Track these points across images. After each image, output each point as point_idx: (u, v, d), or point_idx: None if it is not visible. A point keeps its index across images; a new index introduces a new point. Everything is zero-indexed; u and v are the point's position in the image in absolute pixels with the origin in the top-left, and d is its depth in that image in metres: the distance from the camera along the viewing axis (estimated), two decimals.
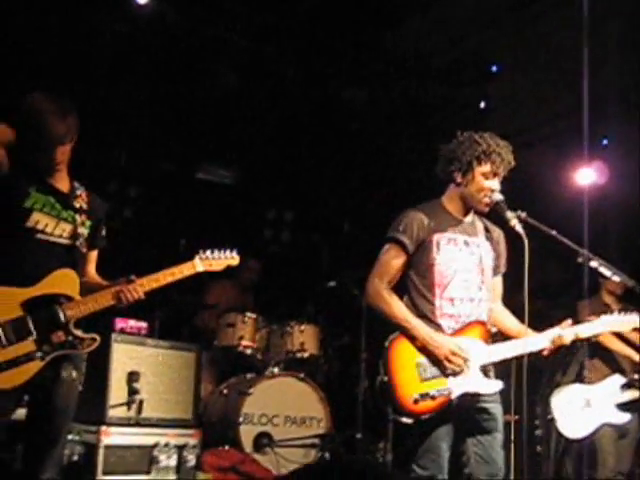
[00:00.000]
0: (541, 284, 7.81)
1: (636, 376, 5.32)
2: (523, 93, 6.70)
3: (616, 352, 5.42)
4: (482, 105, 6.68)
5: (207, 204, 7.63)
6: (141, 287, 3.54)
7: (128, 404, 5.13)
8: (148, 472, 5.07)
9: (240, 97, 7.22)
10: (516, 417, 5.50)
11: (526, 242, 3.33)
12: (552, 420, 5.56)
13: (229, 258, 3.99)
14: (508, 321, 3.74)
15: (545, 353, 3.56)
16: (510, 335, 3.65)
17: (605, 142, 7.19)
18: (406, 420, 3.37)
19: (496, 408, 3.55)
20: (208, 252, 3.89)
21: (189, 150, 7.61)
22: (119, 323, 5.40)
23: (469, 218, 3.68)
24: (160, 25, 6.51)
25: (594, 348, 5.45)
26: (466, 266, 3.57)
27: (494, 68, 6.68)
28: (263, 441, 5.68)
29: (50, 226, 3.45)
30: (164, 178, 7.58)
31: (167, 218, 7.33)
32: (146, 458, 5.08)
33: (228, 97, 7.19)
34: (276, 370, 6.09)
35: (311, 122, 7.51)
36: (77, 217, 3.53)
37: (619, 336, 5.26)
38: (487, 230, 3.73)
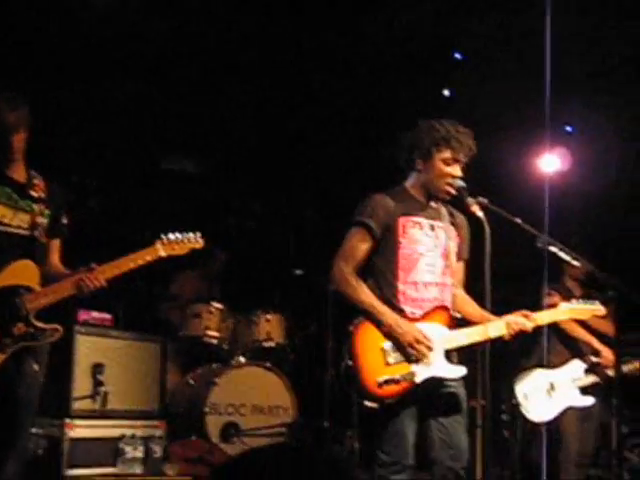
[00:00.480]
0: (507, 270, 7.89)
1: (595, 359, 5.38)
2: (487, 80, 6.73)
3: (576, 338, 5.48)
4: (446, 92, 6.70)
5: (172, 194, 7.56)
6: (102, 275, 3.50)
7: (93, 396, 5.08)
8: (114, 465, 5.03)
9: (205, 85, 7.15)
10: (482, 402, 5.59)
11: (487, 228, 3.34)
12: (517, 405, 5.60)
13: (193, 241, 3.89)
14: (470, 307, 3.75)
15: (507, 338, 3.59)
16: (472, 321, 3.67)
17: (569, 129, 7.25)
18: (370, 404, 3.37)
19: (460, 393, 3.57)
20: (170, 235, 3.80)
21: (153, 139, 7.54)
22: (82, 315, 5.33)
23: (434, 203, 3.68)
24: (123, 12, 6.42)
25: (557, 332, 5.49)
26: (431, 250, 3.58)
27: (458, 55, 6.69)
28: (230, 431, 5.69)
29: (8, 217, 3.41)
30: (128, 168, 7.50)
31: (131, 209, 7.26)
32: (112, 450, 5.04)
33: (193, 85, 7.13)
34: (242, 360, 6.09)
35: (277, 109, 7.47)
36: (35, 207, 3.49)
37: (580, 321, 5.32)
38: (451, 215, 3.74)
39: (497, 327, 3.55)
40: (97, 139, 7.10)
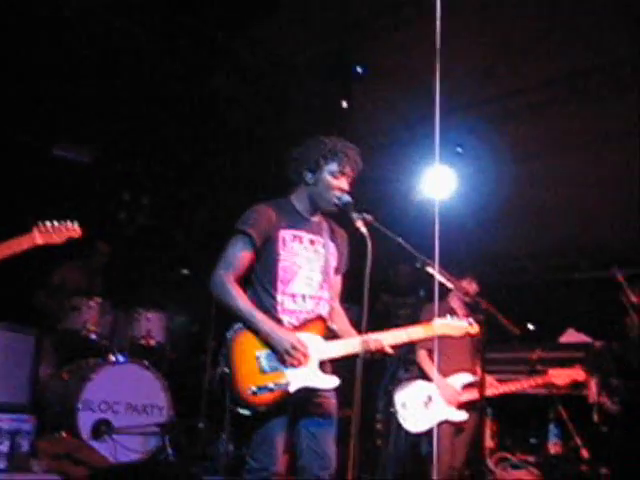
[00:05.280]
0: (392, 283, 8.08)
1: (472, 379, 5.55)
2: (384, 95, 6.85)
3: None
4: (344, 105, 6.77)
5: (60, 182, 7.35)
6: None
7: None
8: None
9: (103, 74, 6.99)
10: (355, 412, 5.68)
11: (369, 244, 3.42)
12: (394, 413, 5.71)
13: (70, 230, 3.89)
14: (339, 322, 3.81)
15: (390, 352, 3.67)
16: (338, 335, 3.71)
17: (459, 150, 7.46)
18: (243, 412, 3.39)
19: (332, 403, 3.64)
20: (48, 223, 3.78)
21: (45, 124, 7.31)
22: None
23: (316, 218, 3.76)
24: None
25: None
26: (309, 264, 3.65)
27: (359, 69, 6.76)
28: (102, 428, 5.58)
29: None
30: (16, 151, 7.24)
31: (16, 193, 7.01)
32: None
33: (90, 73, 6.95)
34: (120, 356, 5.98)
35: (175, 105, 7.39)
36: None
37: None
38: (332, 231, 3.82)
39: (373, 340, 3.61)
40: None
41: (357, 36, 6.34)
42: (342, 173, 3.65)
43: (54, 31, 6.46)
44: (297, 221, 3.68)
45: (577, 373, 5.73)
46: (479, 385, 5.30)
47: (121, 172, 7.71)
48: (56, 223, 3.86)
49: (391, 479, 6.32)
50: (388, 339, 3.67)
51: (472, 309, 5.36)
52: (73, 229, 3.93)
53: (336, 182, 3.64)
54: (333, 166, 3.64)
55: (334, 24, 6.34)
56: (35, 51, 6.53)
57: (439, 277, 3.63)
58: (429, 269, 3.61)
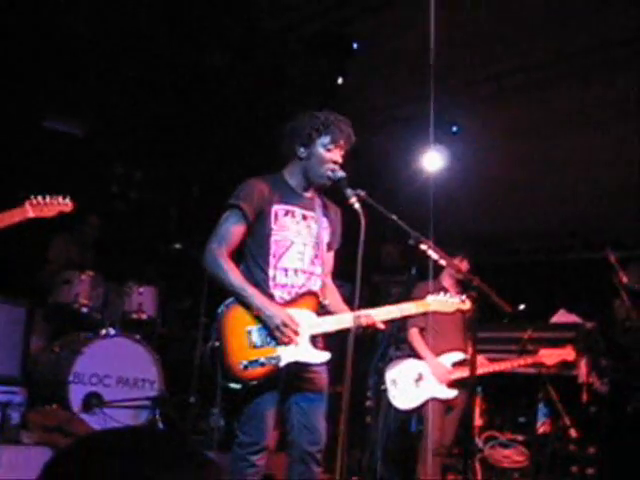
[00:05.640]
0: (383, 261, 8.10)
1: (463, 357, 5.56)
2: (379, 73, 6.83)
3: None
4: (339, 81, 6.74)
5: (52, 154, 7.30)
6: None
7: None
8: None
9: (95, 47, 6.94)
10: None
11: (362, 220, 3.40)
12: (384, 391, 5.74)
13: (62, 204, 3.91)
14: (331, 297, 3.81)
15: (381, 327, 3.67)
16: (330, 310, 3.71)
17: (454, 129, 7.45)
18: (234, 386, 3.40)
19: (322, 378, 3.65)
20: (40, 197, 3.81)
21: (38, 97, 7.25)
22: None
23: (309, 193, 3.75)
24: None
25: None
26: (302, 239, 3.65)
27: (355, 45, 6.73)
28: (92, 401, 5.59)
29: None
30: (8, 122, 7.18)
31: (7, 165, 6.97)
32: None
33: (82, 44, 6.89)
34: (112, 330, 5.99)
35: (169, 80, 7.34)
36: None
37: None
38: (325, 207, 3.81)
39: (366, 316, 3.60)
40: None
41: (351, 12, 6.29)
42: (335, 145, 3.62)
43: (47, 3, 6.40)
44: (290, 196, 3.67)
45: (567, 353, 5.76)
46: (470, 363, 5.35)
47: (113, 146, 7.66)
48: (48, 197, 3.87)
49: (380, 456, 6.35)
50: (380, 314, 3.67)
51: (464, 287, 5.37)
52: (65, 204, 3.96)
53: (329, 155, 3.62)
54: (326, 139, 3.62)
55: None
56: (27, 23, 6.46)
57: (433, 254, 3.62)
58: (422, 246, 3.60)
